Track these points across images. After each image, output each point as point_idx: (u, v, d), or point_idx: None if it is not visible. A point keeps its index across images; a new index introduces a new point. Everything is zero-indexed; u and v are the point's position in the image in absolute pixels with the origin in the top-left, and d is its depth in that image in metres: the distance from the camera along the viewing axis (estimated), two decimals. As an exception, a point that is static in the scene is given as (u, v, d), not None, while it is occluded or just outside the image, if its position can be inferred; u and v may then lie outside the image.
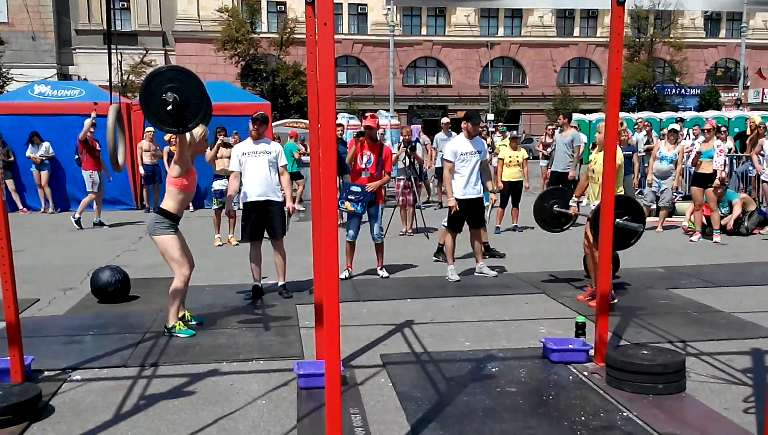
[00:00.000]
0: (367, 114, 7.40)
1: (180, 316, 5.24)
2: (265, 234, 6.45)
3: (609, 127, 4.33)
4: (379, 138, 7.39)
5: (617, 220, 4.98)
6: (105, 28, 37.51)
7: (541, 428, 3.51)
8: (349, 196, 6.87)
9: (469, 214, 6.91)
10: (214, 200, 9.68)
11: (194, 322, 5.38)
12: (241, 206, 6.51)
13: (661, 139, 12.35)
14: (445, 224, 7.88)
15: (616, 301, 5.96)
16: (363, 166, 7.00)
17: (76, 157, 11.45)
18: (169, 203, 5.14)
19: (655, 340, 4.91)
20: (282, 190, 6.46)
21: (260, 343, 4.99)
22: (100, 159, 11.32)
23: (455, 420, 3.61)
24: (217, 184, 9.47)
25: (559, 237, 9.75)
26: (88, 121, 11.01)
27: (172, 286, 5.15)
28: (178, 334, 5.12)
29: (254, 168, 6.31)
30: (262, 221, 6.37)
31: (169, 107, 4.32)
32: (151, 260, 7.78)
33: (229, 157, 7.68)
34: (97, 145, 11.47)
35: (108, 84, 5.67)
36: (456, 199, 6.82)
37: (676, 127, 10.96)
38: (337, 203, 6.78)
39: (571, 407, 3.78)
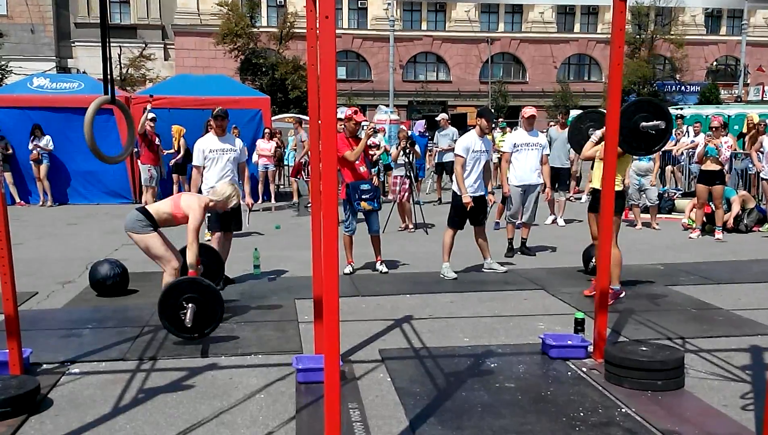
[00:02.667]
0: (350, 110, 7.13)
1: None
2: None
3: (610, 123, 4.33)
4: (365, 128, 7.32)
5: (642, 123, 4.90)
6: (101, 19, 37.45)
7: (539, 424, 3.51)
8: (363, 196, 6.85)
9: (471, 211, 6.90)
10: None
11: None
12: None
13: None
14: (507, 220, 8.02)
15: (624, 294, 6.05)
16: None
17: (135, 150, 11.48)
18: (157, 211, 5.09)
19: (654, 337, 4.91)
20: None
21: (259, 337, 4.99)
22: (158, 153, 11.41)
23: (454, 415, 3.61)
24: None
25: (558, 234, 9.80)
26: (144, 116, 11.02)
27: (163, 282, 5.07)
28: None
29: (222, 165, 6.46)
30: (228, 214, 6.43)
31: (187, 320, 4.59)
32: (150, 254, 7.77)
33: None
34: (157, 140, 11.56)
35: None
36: (460, 196, 6.80)
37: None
38: (353, 206, 6.81)
39: (570, 403, 3.78)
